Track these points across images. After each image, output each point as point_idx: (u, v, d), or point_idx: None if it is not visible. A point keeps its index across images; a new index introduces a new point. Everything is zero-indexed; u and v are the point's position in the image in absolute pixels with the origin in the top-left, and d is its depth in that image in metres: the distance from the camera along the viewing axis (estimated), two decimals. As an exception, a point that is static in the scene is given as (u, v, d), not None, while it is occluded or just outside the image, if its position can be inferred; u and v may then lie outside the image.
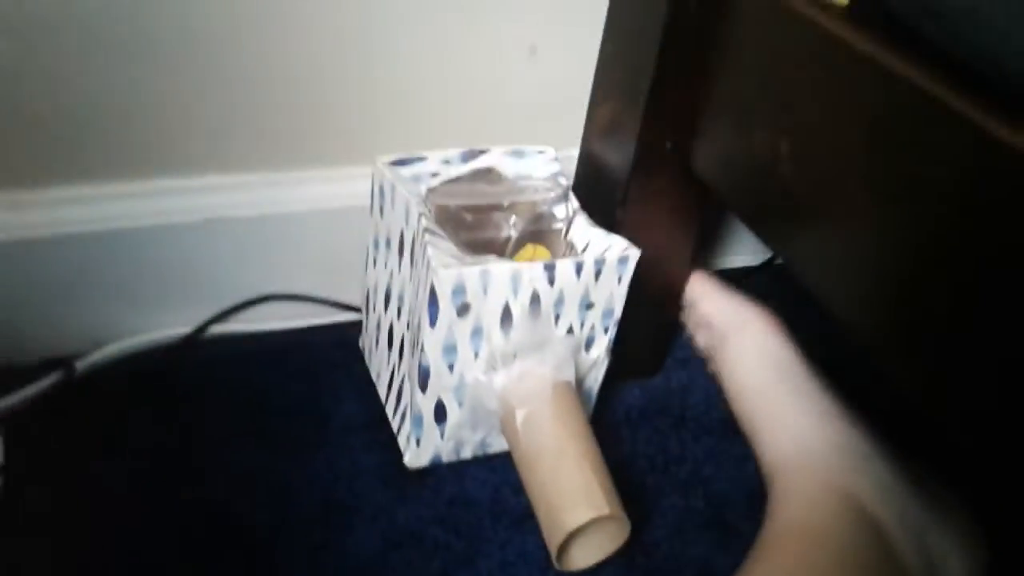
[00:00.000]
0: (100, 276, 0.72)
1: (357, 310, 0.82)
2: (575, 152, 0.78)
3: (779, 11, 0.53)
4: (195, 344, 0.77)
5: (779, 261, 0.98)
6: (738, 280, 0.95)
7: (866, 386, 0.65)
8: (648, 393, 0.80)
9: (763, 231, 0.62)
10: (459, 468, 0.70)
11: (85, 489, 0.64)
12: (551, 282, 0.63)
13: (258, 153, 0.74)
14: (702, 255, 0.95)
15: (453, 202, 0.68)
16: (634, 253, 0.65)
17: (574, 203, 0.71)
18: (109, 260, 0.72)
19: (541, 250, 0.70)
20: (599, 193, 0.72)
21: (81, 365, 0.72)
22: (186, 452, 0.68)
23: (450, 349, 0.63)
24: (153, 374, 0.74)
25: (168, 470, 0.66)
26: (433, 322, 0.61)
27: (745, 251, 0.98)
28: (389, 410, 0.73)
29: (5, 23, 0.61)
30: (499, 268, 0.61)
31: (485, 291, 0.61)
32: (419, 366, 0.63)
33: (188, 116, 0.69)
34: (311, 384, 0.76)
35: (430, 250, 0.61)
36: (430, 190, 0.69)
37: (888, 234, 0.48)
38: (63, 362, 0.72)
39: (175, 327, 0.77)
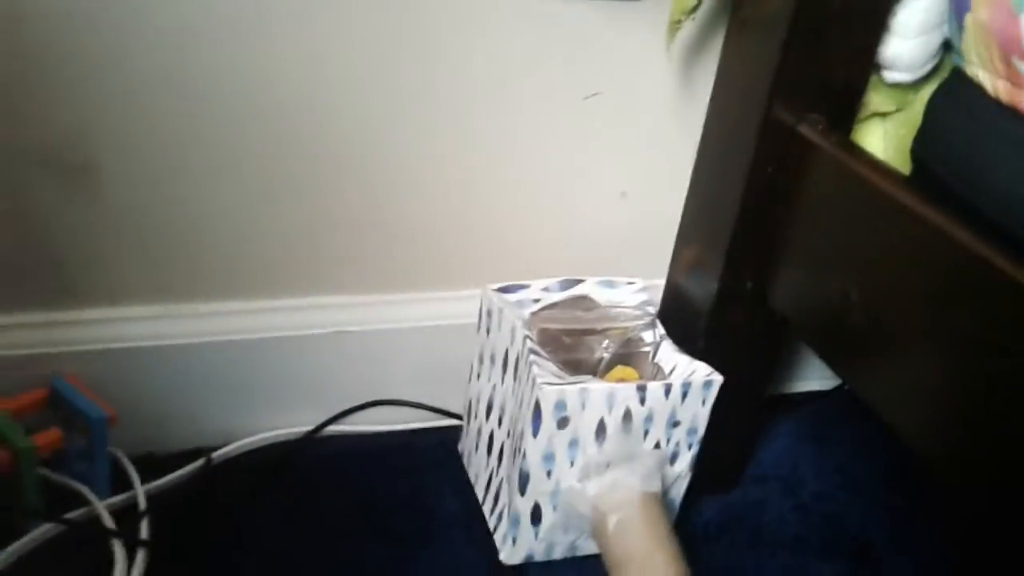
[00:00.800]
0: (237, 379, 0.83)
1: (456, 416, 0.90)
2: (659, 282, 0.86)
3: (848, 177, 0.62)
4: (315, 441, 0.86)
5: (848, 387, 1.04)
6: (808, 402, 1.02)
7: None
8: (725, 508, 0.86)
9: (834, 363, 0.69)
10: (551, 567, 0.77)
11: (220, 571, 0.72)
12: (642, 401, 0.71)
13: (381, 277, 0.84)
14: (777, 379, 1.02)
15: (553, 326, 0.76)
16: (718, 378, 0.72)
17: (660, 330, 0.79)
18: (247, 366, 0.82)
19: (629, 371, 0.78)
20: (683, 322, 0.80)
21: (218, 456, 0.82)
22: (306, 542, 0.76)
23: (549, 457, 0.71)
24: (278, 467, 0.83)
25: (290, 556, 0.74)
26: (536, 432, 0.69)
27: (816, 376, 1.04)
28: (486, 510, 0.80)
29: (187, 165, 0.73)
30: (597, 387, 0.69)
31: (583, 407, 0.69)
32: (520, 471, 0.71)
33: (323, 245, 0.80)
34: (416, 482, 0.84)
35: (535, 369, 0.69)
36: (533, 314, 0.78)
37: (945, 372, 0.55)
38: (203, 452, 0.81)
39: (298, 425, 0.86)
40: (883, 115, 0.69)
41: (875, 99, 0.69)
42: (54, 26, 0.64)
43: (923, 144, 0.58)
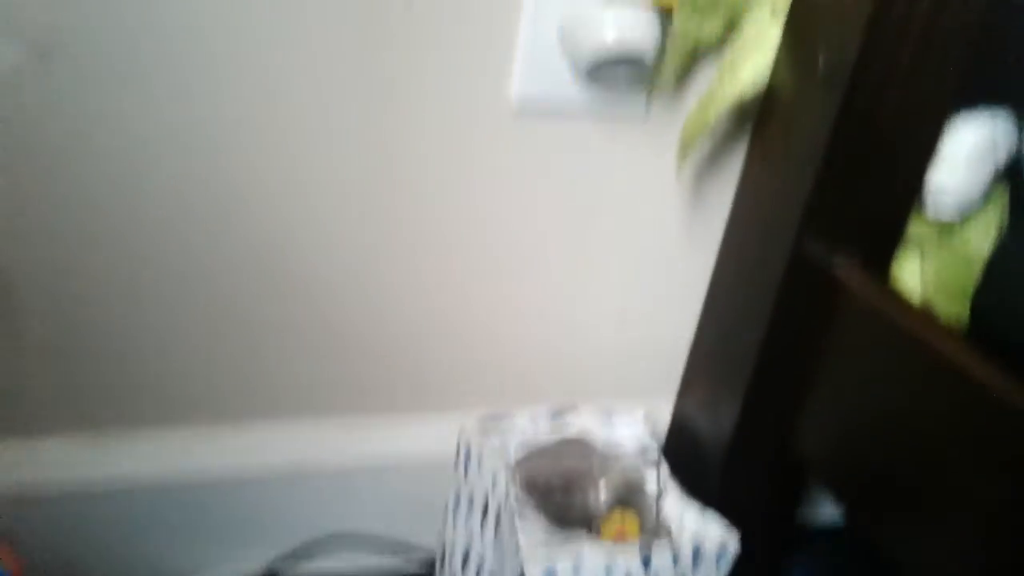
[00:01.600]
0: (175, 526, 0.71)
1: (429, 552, 0.79)
2: (662, 404, 0.76)
3: (891, 330, 0.53)
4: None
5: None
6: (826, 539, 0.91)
7: None
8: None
9: (861, 518, 0.60)
10: None
11: None
12: (646, 565, 0.60)
13: (349, 400, 0.74)
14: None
15: (542, 473, 0.66)
16: (733, 544, 0.62)
17: (665, 471, 0.69)
18: (185, 511, 0.71)
19: (630, 519, 0.67)
20: (692, 461, 0.70)
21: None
22: None
23: (537, 631, 0.60)
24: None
25: None
26: (522, 607, 0.59)
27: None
28: (462, 678, 0.69)
29: (114, 280, 0.63)
30: (592, 554, 0.59)
31: (577, 575, 0.59)
32: (503, 648, 0.60)
33: (280, 364, 0.70)
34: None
35: (521, 537, 0.59)
36: (518, 461, 0.67)
37: (989, 541, 0.46)
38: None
39: (248, 564, 0.75)
40: (921, 250, 0.60)
41: (913, 231, 0.60)
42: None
43: (987, 295, 0.49)
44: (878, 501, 0.56)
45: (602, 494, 0.68)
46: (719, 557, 0.62)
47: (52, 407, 0.66)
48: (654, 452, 0.70)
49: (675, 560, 0.61)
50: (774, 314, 0.58)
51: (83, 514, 0.68)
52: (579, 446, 0.69)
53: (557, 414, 0.71)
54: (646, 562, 0.60)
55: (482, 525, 0.66)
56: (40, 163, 0.57)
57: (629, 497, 0.69)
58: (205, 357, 0.68)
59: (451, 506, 0.72)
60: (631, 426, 0.72)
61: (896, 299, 0.53)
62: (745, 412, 0.63)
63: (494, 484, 0.64)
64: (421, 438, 0.76)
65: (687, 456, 0.71)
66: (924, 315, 0.52)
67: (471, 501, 0.69)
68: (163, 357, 0.67)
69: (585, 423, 0.71)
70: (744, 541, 0.63)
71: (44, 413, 0.66)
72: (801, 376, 0.60)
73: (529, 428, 0.70)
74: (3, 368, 0.63)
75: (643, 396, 0.76)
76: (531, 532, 0.59)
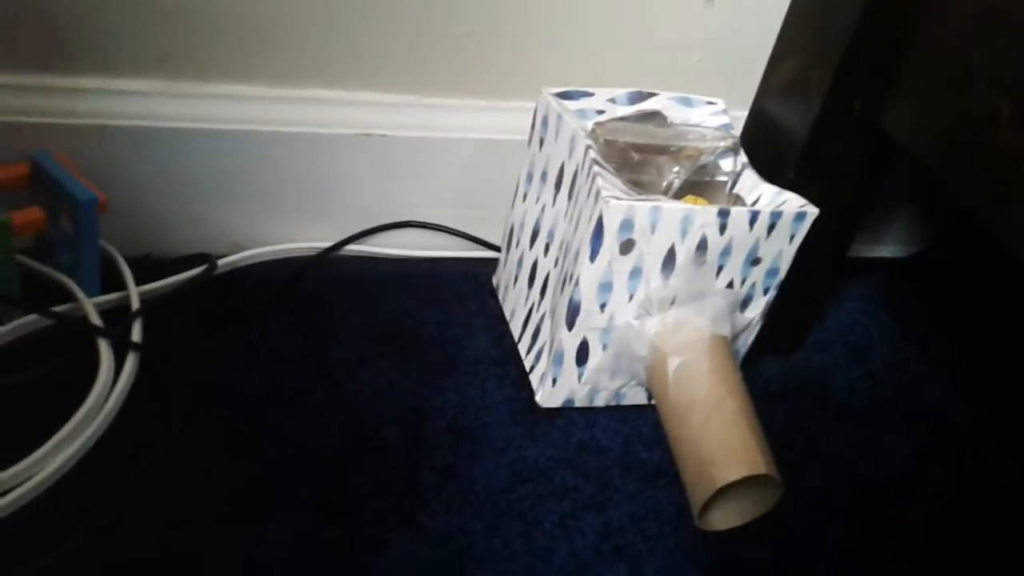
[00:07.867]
0: (249, 178, 0.72)
1: (492, 247, 0.80)
2: (742, 113, 0.74)
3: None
4: (332, 260, 0.76)
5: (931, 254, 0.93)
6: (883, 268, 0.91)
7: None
8: (787, 370, 0.76)
9: (970, 196, 0.58)
10: (589, 415, 0.68)
11: (219, 385, 0.63)
12: (722, 229, 0.60)
13: (418, 76, 0.72)
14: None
15: (621, 139, 0.65)
16: (812, 211, 0.61)
17: (743, 157, 0.68)
18: (260, 162, 0.71)
19: (701, 202, 0.67)
20: (769, 152, 0.68)
21: (224, 264, 0.72)
22: (320, 361, 0.67)
23: (605, 287, 0.61)
24: (291, 282, 0.73)
25: (302, 376, 0.65)
26: (594, 256, 0.59)
27: (891, 241, 0.93)
28: (523, 348, 0.71)
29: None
30: (671, 206, 0.58)
31: (653, 229, 0.59)
32: (570, 301, 0.61)
33: (353, 31, 0.68)
34: (443, 313, 0.74)
35: (600, 180, 0.58)
36: (597, 124, 0.66)
37: None
38: (206, 257, 0.72)
39: (314, 240, 0.76)
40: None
41: None
42: None
43: None
44: (987, 171, 0.53)
45: (676, 175, 0.67)
46: (795, 224, 0.62)
47: (129, 44, 0.65)
48: (733, 135, 0.68)
49: (752, 222, 0.60)
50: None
51: (154, 153, 0.68)
52: (658, 119, 0.68)
53: (636, 96, 0.70)
54: (723, 216, 0.59)
55: (555, 194, 0.66)
56: None
57: (702, 184, 0.68)
58: (288, 16, 0.67)
59: (522, 183, 0.72)
60: (711, 113, 0.70)
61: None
62: (836, 85, 0.61)
63: (572, 146, 0.63)
64: (491, 120, 0.75)
65: (764, 147, 0.69)
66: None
67: (544, 174, 0.68)
68: (244, 6, 0.66)
69: (664, 105, 0.70)
70: (813, 233, 0.62)
71: (121, 50, 0.66)
72: (902, 37, 0.57)
73: (607, 104, 0.69)
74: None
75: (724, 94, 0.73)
76: (609, 187, 0.58)
